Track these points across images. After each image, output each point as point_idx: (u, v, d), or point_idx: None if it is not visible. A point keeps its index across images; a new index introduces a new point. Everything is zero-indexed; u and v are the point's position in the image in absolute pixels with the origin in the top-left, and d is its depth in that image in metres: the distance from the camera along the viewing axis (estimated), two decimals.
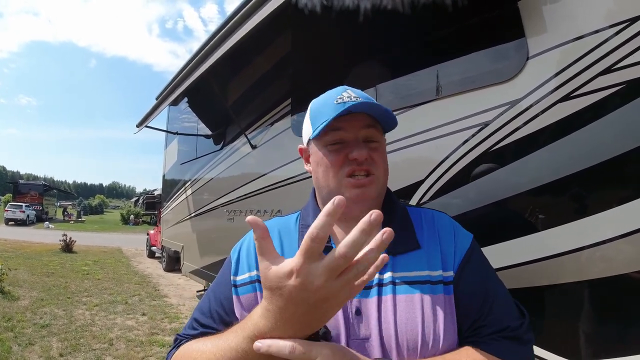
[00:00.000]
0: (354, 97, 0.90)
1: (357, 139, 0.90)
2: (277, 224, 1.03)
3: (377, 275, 0.86)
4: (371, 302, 0.84)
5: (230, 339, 0.73)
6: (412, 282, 0.86)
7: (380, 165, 0.92)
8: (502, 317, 0.87)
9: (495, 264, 1.61)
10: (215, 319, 0.94)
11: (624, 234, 1.33)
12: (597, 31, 1.42)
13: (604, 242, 1.37)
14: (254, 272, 0.93)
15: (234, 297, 0.93)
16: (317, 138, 0.94)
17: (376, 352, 0.80)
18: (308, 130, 0.98)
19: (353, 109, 0.87)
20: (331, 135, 0.91)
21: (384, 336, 0.81)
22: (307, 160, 1.03)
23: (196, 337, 0.92)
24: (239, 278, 0.95)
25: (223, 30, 3.10)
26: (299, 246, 0.91)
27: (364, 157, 0.88)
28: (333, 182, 0.92)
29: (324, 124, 0.88)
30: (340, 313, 0.83)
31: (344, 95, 0.91)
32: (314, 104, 0.99)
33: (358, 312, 0.84)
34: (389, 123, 0.95)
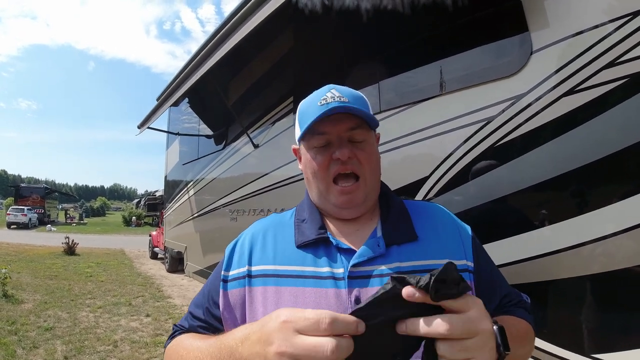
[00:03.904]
0: (337, 97, 0.90)
1: (341, 139, 0.91)
2: (274, 220, 1.05)
3: (377, 267, 0.87)
4: (372, 291, 0.84)
5: (209, 342, 0.81)
6: (416, 272, 0.86)
7: (366, 164, 0.93)
8: (507, 290, 1.00)
9: (505, 259, 1.63)
10: (203, 311, 0.99)
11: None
12: (600, 25, 1.41)
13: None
14: (245, 268, 0.94)
15: (221, 291, 0.95)
16: (304, 140, 0.97)
17: None
18: (297, 132, 1.00)
19: (330, 112, 0.88)
20: (316, 138, 0.93)
21: None
22: (300, 160, 1.05)
23: (189, 329, 0.99)
24: (229, 273, 0.96)
25: (223, 31, 3.10)
26: (294, 239, 0.94)
27: (346, 156, 0.89)
28: (322, 184, 0.95)
29: (306, 127, 0.90)
30: (335, 303, 0.84)
31: (327, 96, 0.91)
32: (301, 105, 1.00)
33: (358, 300, 0.84)
34: (374, 121, 0.95)
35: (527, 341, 0.91)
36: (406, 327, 0.59)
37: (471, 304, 0.61)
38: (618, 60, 1.35)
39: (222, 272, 0.98)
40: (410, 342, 0.62)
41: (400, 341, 0.61)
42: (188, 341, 0.90)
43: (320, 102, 0.91)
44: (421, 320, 0.58)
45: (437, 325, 0.57)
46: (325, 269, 0.87)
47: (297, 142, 1.03)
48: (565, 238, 1.50)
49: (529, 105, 1.59)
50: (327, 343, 0.56)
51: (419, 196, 1.98)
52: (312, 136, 0.94)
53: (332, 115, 0.89)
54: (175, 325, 1.04)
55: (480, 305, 0.62)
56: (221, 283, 0.96)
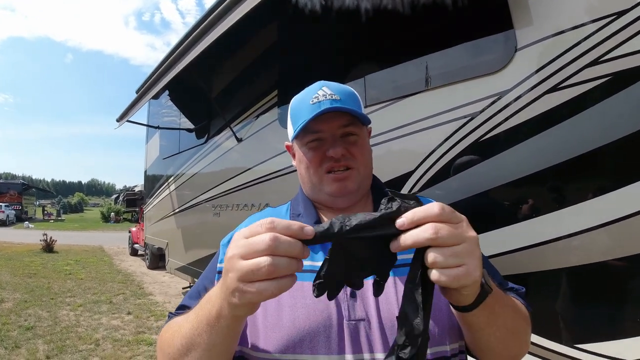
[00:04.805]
0: (329, 95, 0.92)
1: (334, 136, 0.94)
2: (269, 214, 1.06)
3: None
4: (367, 283, 0.83)
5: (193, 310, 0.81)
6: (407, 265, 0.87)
7: (359, 158, 0.96)
8: (500, 280, 0.99)
9: (488, 252, 1.65)
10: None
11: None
12: (584, 24, 1.44)
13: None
14: None
15: (216, 282, 0.94)
16: (297, 138, 0.99)
17: (375, 332, 0.82)
18: (290, 129, 1.02)
19: (322, 113, 0.90)
20: (309, 136, 0.95)
21: (383, 317, 0.84)
22: (294, 157, 1.07)
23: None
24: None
25: (206, 22, 3.04)
26: None
27: (339, 154, 0.92)
28: (315, 178, 0.97)
29: (300, 126, 0.92)
30: None
31: (319, 93, 0.93)
32: (293, 102, 1.02)
33: (353, 294, 0.86)
34: (365, 119, 0.97)
35: (519, 315, 0.89)
36: (398, 243, 0.60)
37: (458, 217, 0.63)
38: (601, 59, 1.38)
39: (218, 265, 0.98)
40: (384, 257, 0.64)
41: (374, 256, 0.64)
42: (179, 318, 0.91)
43: (312, 101, 0.93)
44: (410, 232, 0.59)
45: (425, 230, 0.58)
46: (321, 263, 0.87)
47: (290, 140, 1.04)
48: (547, 231, 1.54)
49: (513, 102, 1.61)
50: (264, 259, 0.58)
51: (404, 190, 1.99)
52: (305, 135, 0.95)
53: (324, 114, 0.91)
54: (170, 313, 1.03)
55: (465, 219, 0.64)
56: (216, 275, 0.96)
